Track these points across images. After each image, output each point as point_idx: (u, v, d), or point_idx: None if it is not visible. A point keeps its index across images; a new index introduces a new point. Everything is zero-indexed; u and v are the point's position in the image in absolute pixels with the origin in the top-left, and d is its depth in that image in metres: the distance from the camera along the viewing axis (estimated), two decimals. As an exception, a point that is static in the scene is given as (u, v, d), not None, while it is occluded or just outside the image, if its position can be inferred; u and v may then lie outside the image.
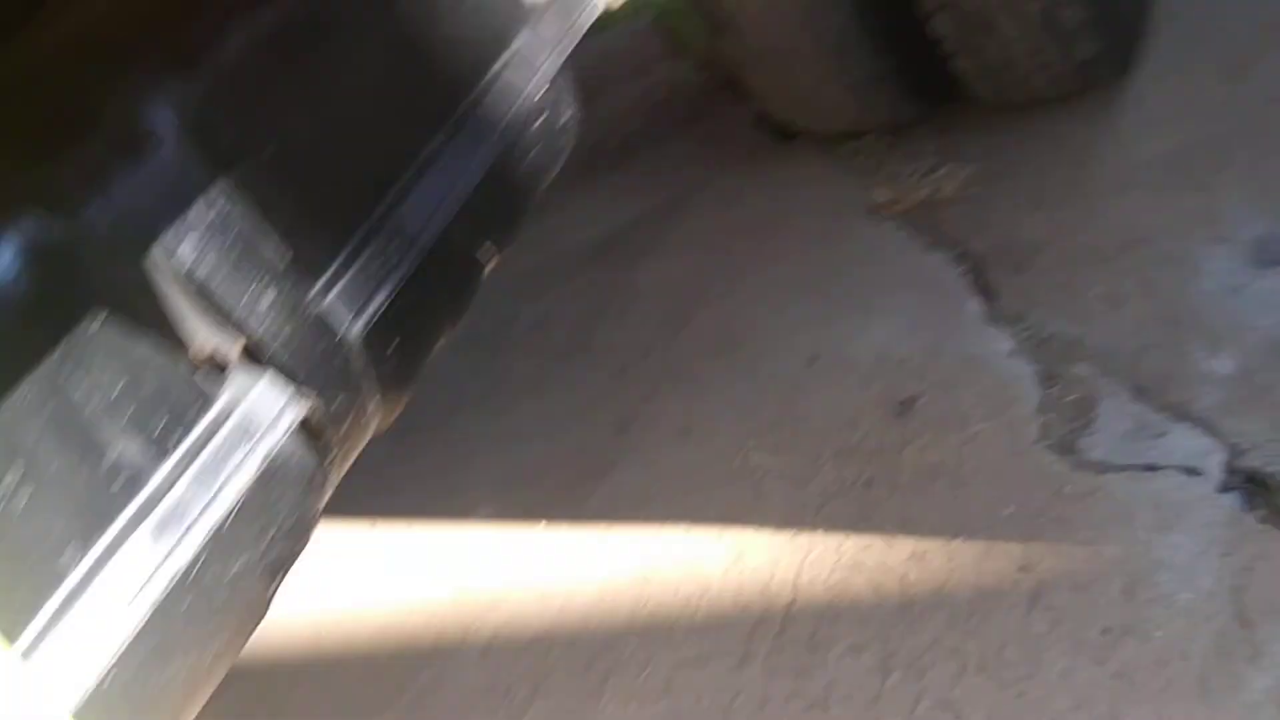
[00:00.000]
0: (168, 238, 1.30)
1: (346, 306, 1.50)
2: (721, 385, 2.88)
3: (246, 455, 1.36)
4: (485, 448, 3.13)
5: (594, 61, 3.77)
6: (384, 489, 3.05)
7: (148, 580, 1.23)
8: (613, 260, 3.58)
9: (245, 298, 1.34)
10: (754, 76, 3.37)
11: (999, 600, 2.08)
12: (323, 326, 1.43)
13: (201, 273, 1.31)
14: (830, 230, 3.19)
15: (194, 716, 1.33)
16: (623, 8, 4.54)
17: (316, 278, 1.48)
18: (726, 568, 2.47)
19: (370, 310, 1.52)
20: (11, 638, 1.08)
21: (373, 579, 2.95)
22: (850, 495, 2.45)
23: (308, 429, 1.44)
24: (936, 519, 2.28)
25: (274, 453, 1.38)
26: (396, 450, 2.84)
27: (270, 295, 1.37)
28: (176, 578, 1.25)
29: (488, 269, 1.76)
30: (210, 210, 1.35)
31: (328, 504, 1.52)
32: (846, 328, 2.82)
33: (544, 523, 2.81)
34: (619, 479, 2.81)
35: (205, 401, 1.35)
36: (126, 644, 1.19)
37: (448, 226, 1.64)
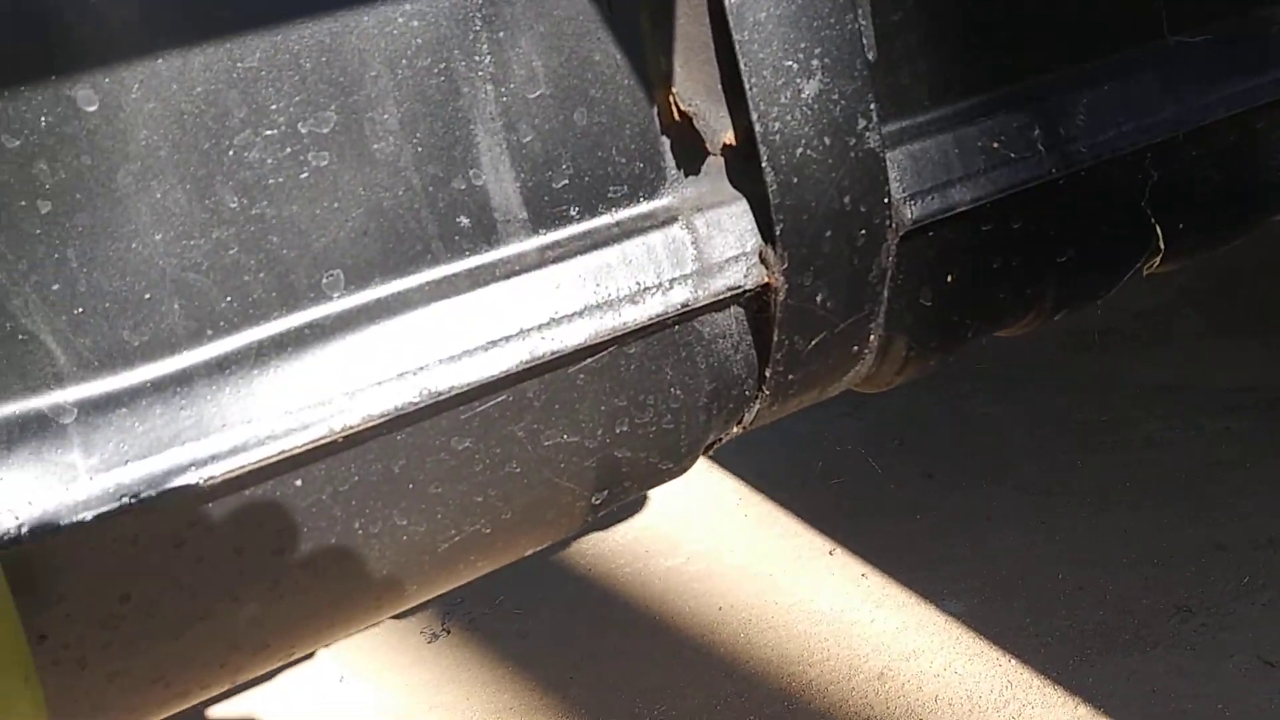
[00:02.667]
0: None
1: (913, 173, 0.95)
2: None
3: (663, 285, 0.87)
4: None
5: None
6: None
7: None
8: None
9: (770, 68, 0.84)
10: None
11: None
12: (863, 179, 0.89)
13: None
14: None
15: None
16: None
17: (899, 107, 0.95)
18: None
19: (944, 200, 0.95)
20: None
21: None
22: None
23: (761, 309, 0.92)
24: None
25: (696, 305, 0.88)
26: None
27: (811, 87, 0.85)
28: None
29: (1144, 264, 1.11)
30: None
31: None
32: None
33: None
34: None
35: (651, 181, 0.88)
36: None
37: (1113, 158, 1.02)
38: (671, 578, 2.32)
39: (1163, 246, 1.10)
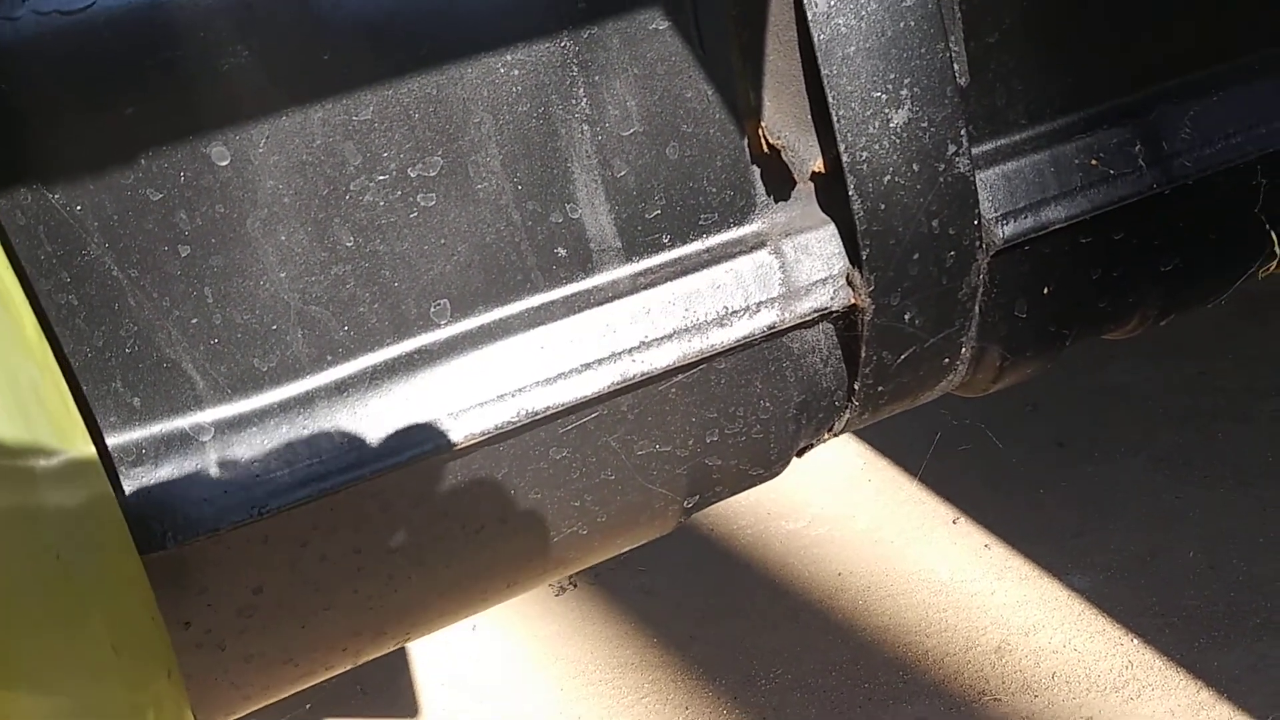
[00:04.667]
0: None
1: (1007, 192, 0.96)
2: None
3: (751, 308, 0.91)
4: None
5: None
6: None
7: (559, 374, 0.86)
8: None
9: (858, 99, 0.86)
10: None
11: None
12: (952, 203, 0.91)
13: (824, 35, 0.85)
14: None
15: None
16: None
17: (993, 127, 0.96)
18: None
19: (1038, 219, 0.96)
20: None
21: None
22: None
23: (849, 327, 0.95)
24: None
25: (783, 326, 0.92)
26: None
27: (900, 117, 0.87)
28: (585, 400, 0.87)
29: (1259, 269, 1.09)
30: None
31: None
32: None
33: None
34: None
35: (741, 209, 0.92)
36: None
37: (1224, 171, 1.01)
38: (793, 541, 2.36)
39: (1279, 251, 1.08)
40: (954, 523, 2.38)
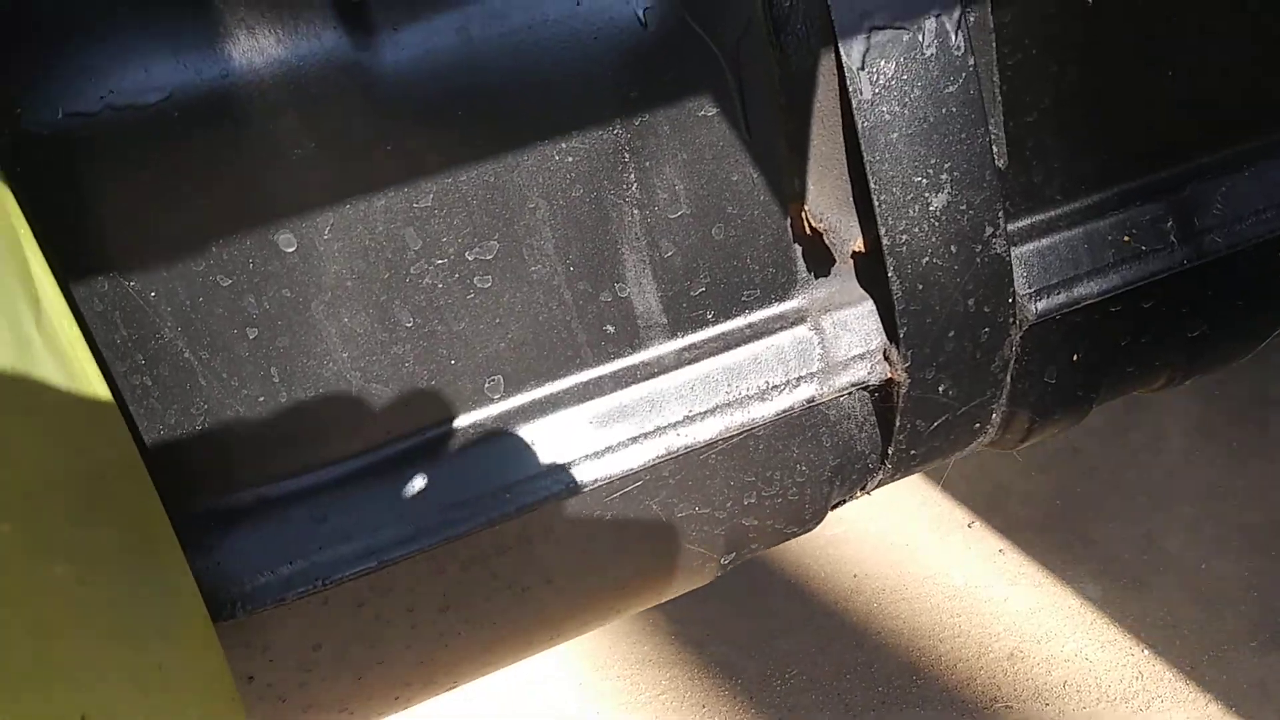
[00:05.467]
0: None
1: (1040, 269, 0.99)
2: None
3: (790, 383, 0.94)
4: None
5: None
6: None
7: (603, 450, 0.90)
8: None
9: (899, 184, 0.89)
10: None
11: None
12: (988, 282, 0.94)
13: (868, 123, 0.87)
14: None
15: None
16: None
17: (1029, 204, 0.98)
18: None
19: (1070, 295, 0.99)
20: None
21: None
22: None
23: (885, 398, 0.99)
24: None
25: (821, 399, 0.95)
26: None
27: (940, 200, 0.90)
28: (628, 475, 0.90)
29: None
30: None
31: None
32: None
33: None
34: None
35: (782, 285, 0.95)
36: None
37: (1247, 250, 1.03)
38: (808, 542, 2.40)
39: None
40: (969, 526, 2.42)
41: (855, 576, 2.35)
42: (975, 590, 2.23)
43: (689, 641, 2.22)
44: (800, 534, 1.05)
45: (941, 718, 2.00)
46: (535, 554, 0.93)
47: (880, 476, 1.05)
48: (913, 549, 2.35)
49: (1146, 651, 2.04)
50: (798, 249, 0.94)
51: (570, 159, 0.86)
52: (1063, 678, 2.03)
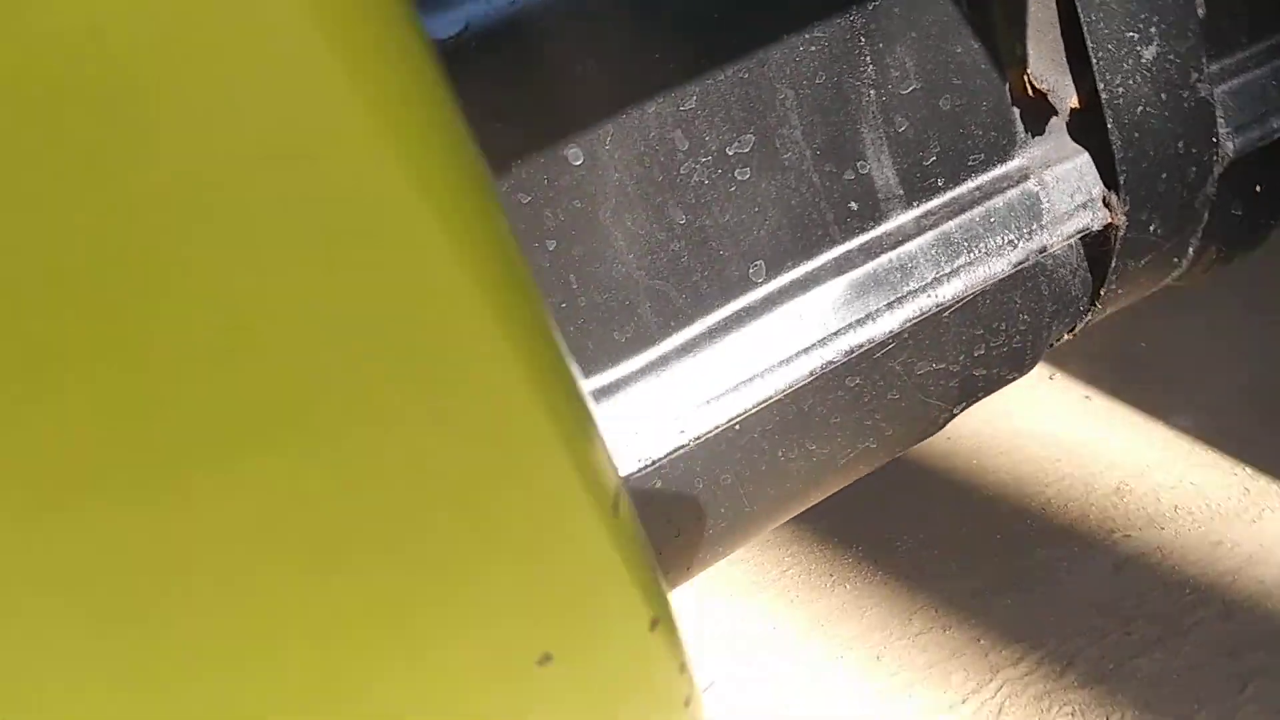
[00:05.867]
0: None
1: (1235, 109, 1.05)
2: None
3: (1024, 236, 1.01)
4: None
5: None
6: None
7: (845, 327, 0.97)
8: None
9: (1113, 41, 0.95)
10: None
11: None
12: (1195, 125, 1.01)
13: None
14: None
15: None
16: None
17: (1219, 49, 1.05)
18: None
19: (1263, 130, 1.06)
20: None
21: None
22: None
23: (1101, 243, 1.06)
24: None
25: (1046, 252, 1.03)
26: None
27: (1150, 52, 0.96)
28: (877, 341, 0.97)
29: None
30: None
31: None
32: None
33: None
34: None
35: (1004, 147, 1.02)
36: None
37: None
38: (906, 411, 2.47)
39: None
40: (1050, 379, 2.50)
41: (949, 439, 2.43)
42: (1070, 435, 2.32)
43: (800, 520, 2.32)
44: (1019, 378, 1.14)
45: (1063, 553, 2.11)
46: (798, 421, 1.01)
47: (1089, 317, 1.12)
48: (1000, 406, 2.43)
49: (1249, 469, 2.14)
50: (1015, 112, 1.00)
51: (814, 48, 0.92)
52: (1172, 502, 2.13)
